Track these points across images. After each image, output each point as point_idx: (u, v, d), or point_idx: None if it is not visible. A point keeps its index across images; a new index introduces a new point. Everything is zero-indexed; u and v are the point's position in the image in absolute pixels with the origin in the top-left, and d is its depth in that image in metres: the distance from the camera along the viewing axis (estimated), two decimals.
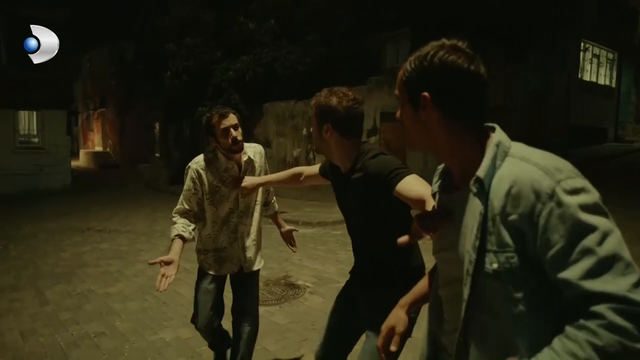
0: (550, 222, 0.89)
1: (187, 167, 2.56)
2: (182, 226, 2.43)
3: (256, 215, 2.65)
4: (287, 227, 2.85)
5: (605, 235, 0.87)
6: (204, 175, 2.51)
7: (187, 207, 2.52)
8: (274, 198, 2.91)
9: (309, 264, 5.56)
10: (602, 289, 0.84)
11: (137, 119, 20.13)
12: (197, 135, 13.92)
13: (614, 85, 18.37)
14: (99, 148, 25.41)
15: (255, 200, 2.64)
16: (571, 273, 0.87)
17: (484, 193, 1.00)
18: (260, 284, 4.86)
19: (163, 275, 2.18)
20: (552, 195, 0.90)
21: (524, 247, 0.94)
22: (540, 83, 14.31)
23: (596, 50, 17.09)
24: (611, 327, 0.82)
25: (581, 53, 16.18)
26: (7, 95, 13.30)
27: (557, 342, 0.89)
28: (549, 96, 14.74)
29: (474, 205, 1.02)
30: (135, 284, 4.99)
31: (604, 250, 0.86)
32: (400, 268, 1.87)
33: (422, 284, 1.42)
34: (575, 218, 0.88)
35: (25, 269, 5.77)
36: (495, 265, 0.97)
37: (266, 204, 2.82)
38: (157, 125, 18.67)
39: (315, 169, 2.29)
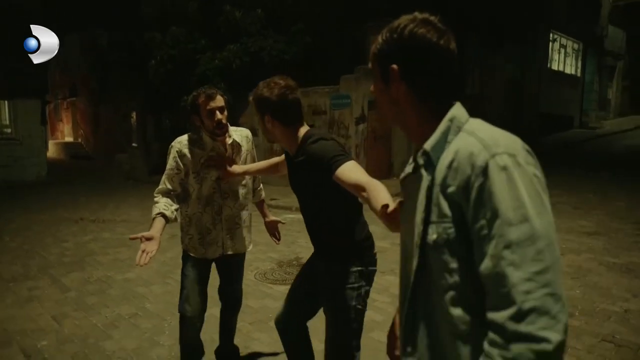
0: (480, 196, 0.88)
1: (170, 146, 2.52)
2: (164, 205, 2.38)
3: (243, 200, 2.63)
4: (272, 217, 2.84)
5: (523, 215, 0.85)
6: (188, 154, 2.47)
7: (169, 187, 2.46)
8: (261, 185, 2.88)
9: None
10: (504, 268, 0.84)
11: (112, 108, 19.67)
12: (178, 125, 13.84)
13: (579, 74, 19.33)
14: (69, 139, 24.65)
15: (242, 184, 2.62)
16: (488, 241, 0.87)
17: (431, 166, 1.00)
18: (274, 265, 5.15)
19: (143, 251, 2.14)
20: (485, 168, 0.89)
21: (460, 219, 0.93)
22: (514, 73, 14.93)
23: (563, 41, 17.92)
24: (504, 333, 0.84)
25: (550, 43, 16.93)
26: None
27: None
28: (522, 85, 15.41)
29: (423, 179, 1.01)
30: (152, 269, 5.10)
31: (517, 231, 0.84)
32: (351, 242, 2.02)
33: None
34: (499, 192, 0.86)
35: (31, 259, 5.76)
36: (434, 236, 0.96)
37: (252, 190, 2.80)
38: (134, 115, 18.32)
39: (283, 156, 2.37)
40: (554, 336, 0.81)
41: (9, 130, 14.19)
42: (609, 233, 5.83)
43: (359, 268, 1.99)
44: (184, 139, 2.51)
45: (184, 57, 11.42)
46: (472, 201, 0.90)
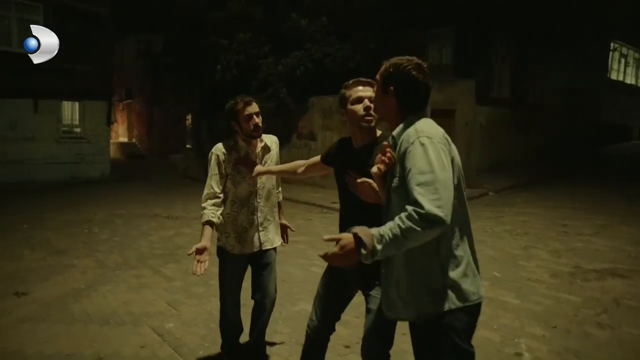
0: (409, 155, 1.60)
1: (210, 153, 2.79)
2: (211, 212, 2.64)
3: (273, 199, 2.95)
4: (285, 221, 3.13)
5: (430, 169, 1.53)
6: (227, 159, 2.75)
7: (217, 190, 2.71)
8: (279, 188, 3.13)
9: None
10: (415, 195, 1.52)
11: (166, 110, 20.47)
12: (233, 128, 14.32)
13: (639, 84, 18.72)
14: (123, 139, 25.80)
15: (273, 185, 2.93)
16: (409, 182, 1.57)
17: (395, 145, 1.74)
18: None
19: (198, 261, 2.46)
20: (413, 142, 1.61)
21: (402, 172, 1.63)
22: (571, 81, 14.65)
23: (624, 50, 17.43)
24: (409, 217, 1.50)
25: (610, 53, 16.52)
26: (52, 86, 13.67)
27: (392, 220, 1.56)
28: (579, 94, 15.10)
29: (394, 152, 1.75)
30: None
31: (425, 177, 1.53)
32: None
33: None
34: (417, 156, 1.57)
35: (126, 250, 6.17)
36: (393, 184, 1.71)
37: None
38: (188, 117, 19.01)
39: (315, 159, 2.57)
40: (436, 214, 1.48)
41: (78, 130, 15.03)
42: None
43: None
44: (221, 146, 2.80)
45: (248, 61, 11.85)
46: (406, 160, 1.61)
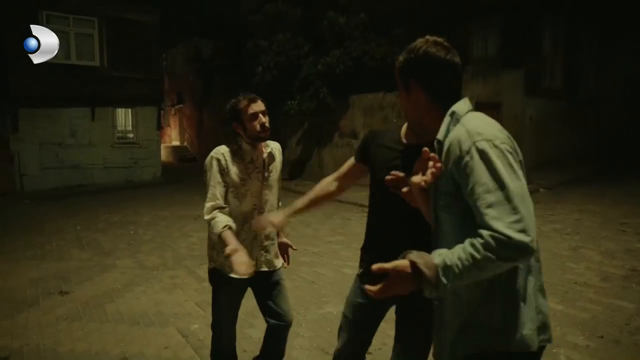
0: (467, 169, 1.24)
1: (209, 157, 2.41)
2: (226, 218, 2.30)
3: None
4: (285, 239, 2.72)
5: (499, 184, 1.20)
6: (230, 167, 2.38)
7: (221, 200, 2.36)
8: (280, 203, 2.74)
9: None
10: (489, 222, 1.18)
11: (215, 113, 21.00)
12: (278, 128, 14.46)
13: None
14: (175, 142, 26.81)
15: (276, 198, 2.59)
16: (476, 204, 1.22)
17: (441, 150, 1.36)
18: None
19: (241, 263, 2.13)
20: (469, 151, 1.25)
21: (455, 187, 1.30)
22: (634, 70, 13.57)
23: None
24: (486, 246, 1.17)
25: None
26: (108, 94, 14.41)
27: (461, 246, 1.23)
28: None
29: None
30: None
31: (495, 196, 1.19)
32: None
33: None
34: (478, 169, 1.23)
35: (165, 251, 6.35)
36: (441, 203, 1.36)
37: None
38: None
39: (348, 164, 2.11)
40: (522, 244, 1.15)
41: (131, 135, 15.76)
42: None
43: None
44: (224, 150, 2.42)
45: (288, 62, 11.90)
46: (463, 175, 1.26)
